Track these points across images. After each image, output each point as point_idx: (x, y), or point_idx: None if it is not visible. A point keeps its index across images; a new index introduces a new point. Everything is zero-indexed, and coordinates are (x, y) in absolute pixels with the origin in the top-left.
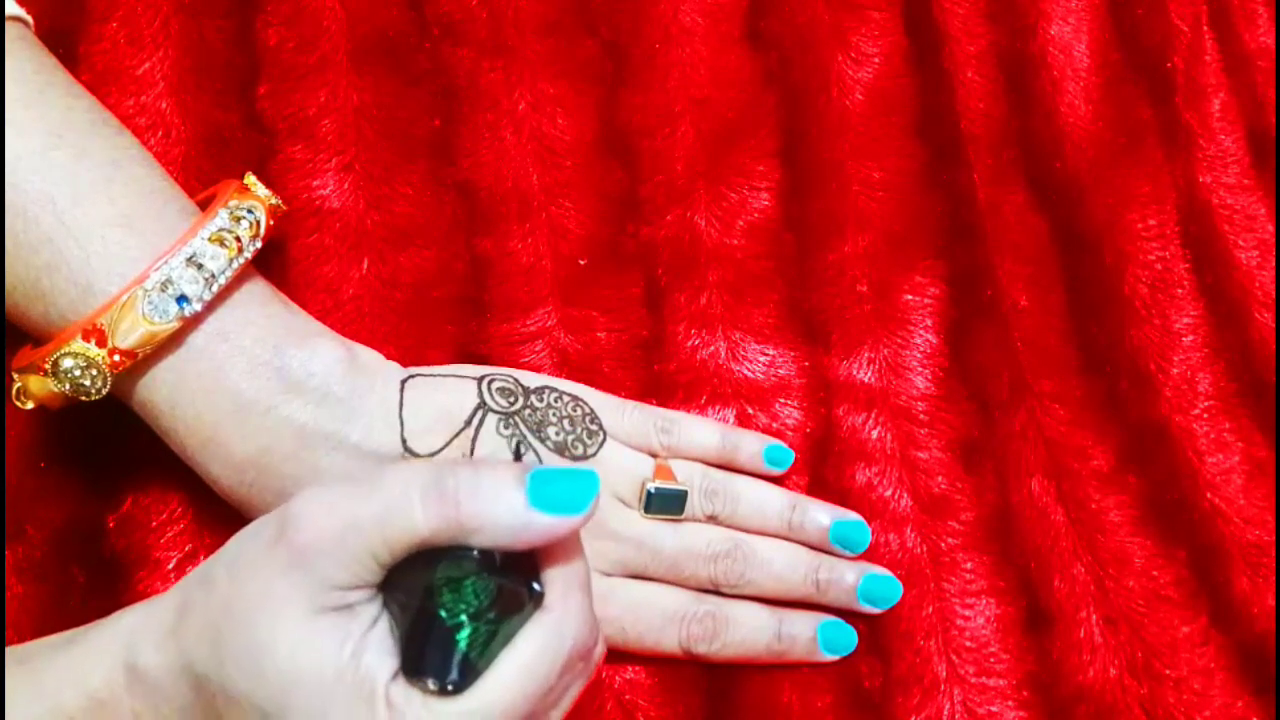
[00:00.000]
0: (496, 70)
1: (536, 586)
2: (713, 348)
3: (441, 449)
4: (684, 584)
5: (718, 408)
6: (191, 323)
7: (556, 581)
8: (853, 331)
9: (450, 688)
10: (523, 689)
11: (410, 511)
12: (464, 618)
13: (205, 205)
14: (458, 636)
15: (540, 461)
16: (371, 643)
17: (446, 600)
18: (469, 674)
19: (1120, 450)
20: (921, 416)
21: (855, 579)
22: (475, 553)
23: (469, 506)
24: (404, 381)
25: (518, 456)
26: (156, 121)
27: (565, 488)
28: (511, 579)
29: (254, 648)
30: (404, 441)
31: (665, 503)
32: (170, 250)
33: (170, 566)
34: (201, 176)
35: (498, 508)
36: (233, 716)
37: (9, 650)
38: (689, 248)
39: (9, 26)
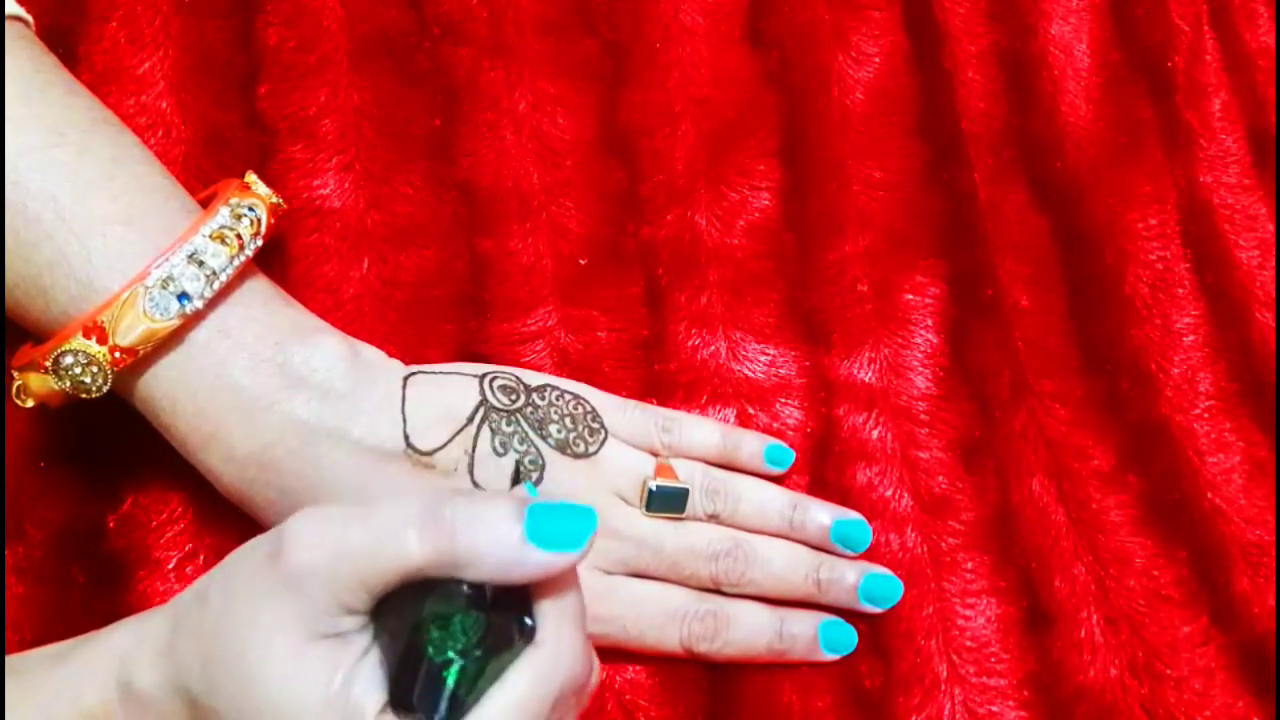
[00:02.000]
0: (496, 69)
1: (528, 621)
2: (713, 347)
3: (443, 446)
4: (685, 583)
5: (718, 407)
6: (192, 320)
7: (549, 615)
8: (853, 331)
9: None
10: None
11: (405, 540)
12: (452, 654)
13: (206, 204)
14: (445, 674)
15: (542, 463)
16: (362, 673)
17: (435, 637)
18: (457, 711)
19: (1121, 450)
20: (922, 416)
21: (856, 578)
22: (465, 587)
23: (465, 539)
24: (406, 379)
25: (516, 478)
26: (156, 121)
27: (563, 524)
28: (502, 614)
29: (244, 673)
30: (406, 438)
31: (667, 501)
32: (171, 247)
33: (170, 566)
34: (201, 176)
35: (493, 542)
36: None
37: (6, 660)
38: (689, 247)
39: (9, 26)
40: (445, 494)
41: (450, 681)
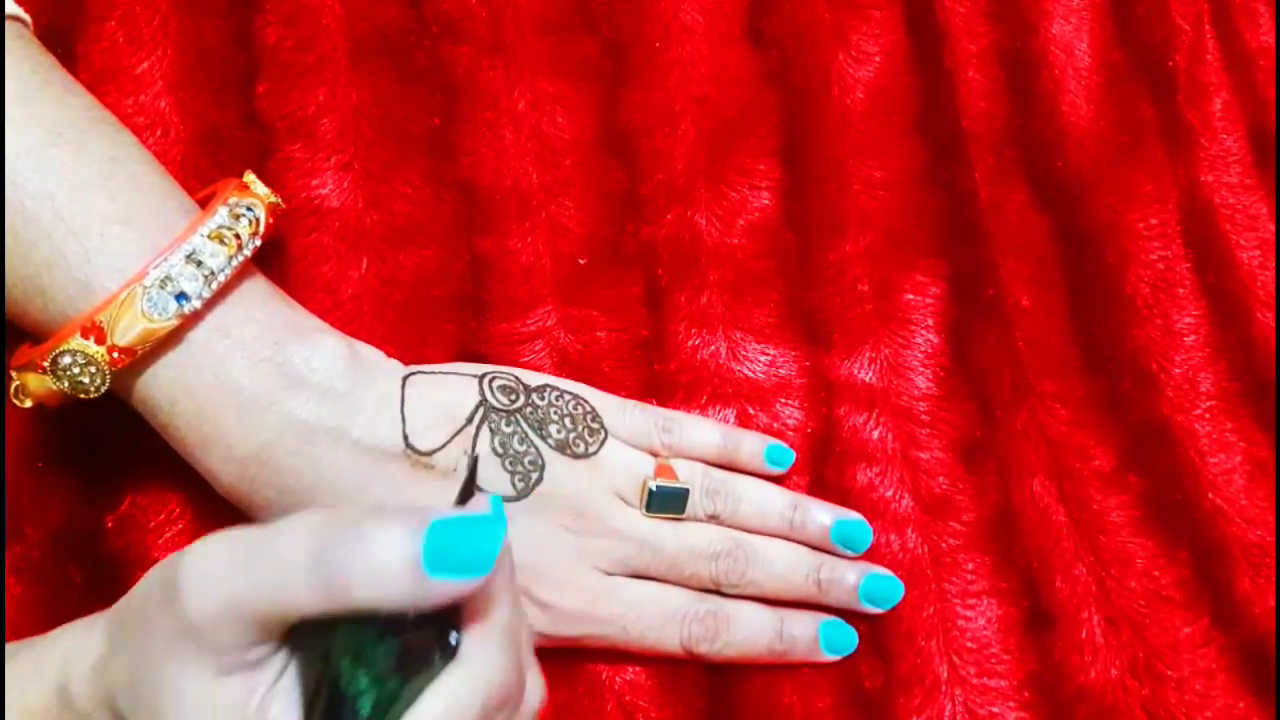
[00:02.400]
0: (496, 68)
1: (452, 639)
2: (713, 347)
3: (443, 446)
4: (685, 583)
5: (718, 407)
6: (191, 320)
7: (472, 632)
8: (854, 331)
9: None
10: None
11: (296, 595)
12: (364, 684)
13: (205, 203)
14: (359, 706)
15: (542, 464)
16: (277, 698)
17: (345, 668)
18: None
19: (1122, 450)
20: (923, 416)
21: (856, 579)
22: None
23: (360, 586)
24: (405, 379)
25: (472, 473)
26: (155, 120)
27: (464, 549)
28: (422, 633)
29: (161, 704)
30: (405, 438)
31: (667, 501)
32: (170, 247)
33: None
34: (200, 175)
35: (388, 581)
36: None
37: None
38: (689, 247)
39: (8, 25)
40: (338, 529)
41: (365, 711)
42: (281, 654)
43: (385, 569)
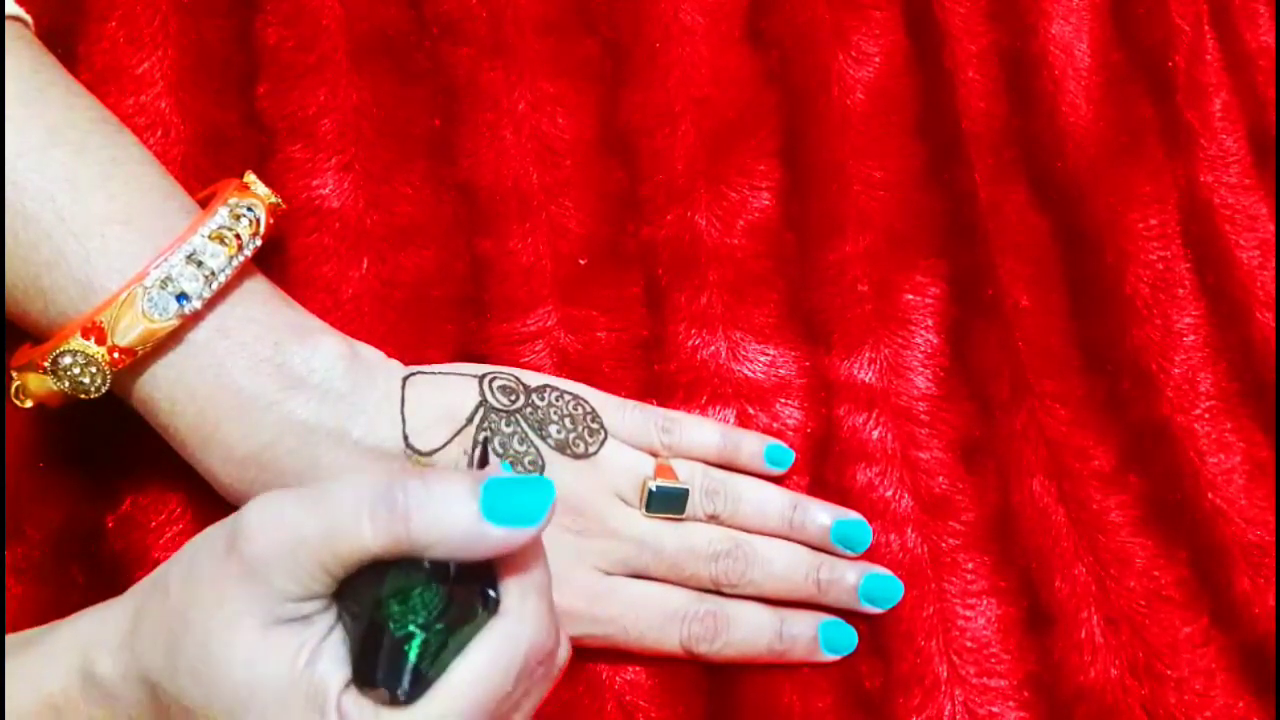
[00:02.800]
0: (496, 69)
1: (492, 593)
2: (713, 348)
3: (443, 446)
4: (685, 583)
5: (718, 408)
6: (191, 320)
7: (512, 587)
8: (853, 331)
9: (401, 697)
10: (476, 697)
11: (359, 529)
12: (413, 628)
13: (205, 204)
14: (406, 648)
15: (542, 464)
16: (325, 652)
17: (395, 612)
18: (420, 684)
19: (1121, 450)
20: (922, 416)
21: (856, 579)
22: (426, 564)
23: (419, 523)
24: (405, 379)
25: (484, 463)
26: (156, 121)
27: (520, 500)
28: (465, 587)
29: (208, 659)
30: (406, 438)
31: (667, 501)
32: (170, 247)
33: None
34: (201, 176)
35: (449, 523)
36: None
37: None
38: (689, 247)
39: (8, 26)
40: (399, 476)
41: (412, 655)
42: (330, 613)
43: (447, 511)
